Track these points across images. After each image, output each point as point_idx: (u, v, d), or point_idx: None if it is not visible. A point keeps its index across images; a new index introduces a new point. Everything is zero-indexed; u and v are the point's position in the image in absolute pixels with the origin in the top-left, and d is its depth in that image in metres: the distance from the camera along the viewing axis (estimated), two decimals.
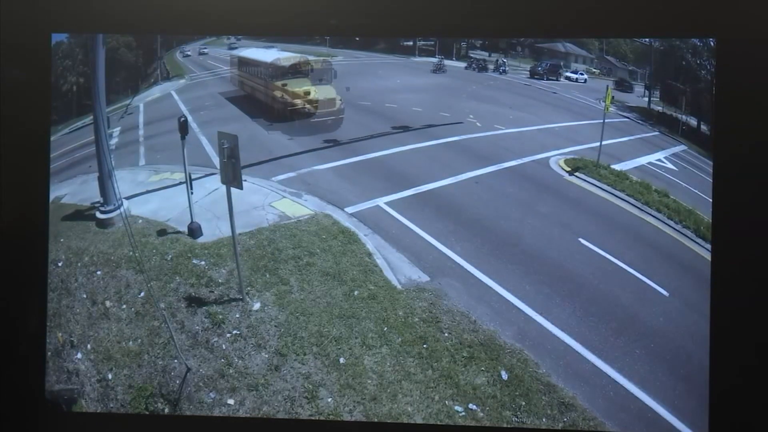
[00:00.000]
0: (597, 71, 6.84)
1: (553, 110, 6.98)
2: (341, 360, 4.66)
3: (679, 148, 6.05)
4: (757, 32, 4.07)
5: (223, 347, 4.80)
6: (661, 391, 4.41)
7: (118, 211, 5.72)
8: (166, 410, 4.54)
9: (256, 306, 5.09)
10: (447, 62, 7.19)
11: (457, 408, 4.36)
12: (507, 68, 7.00)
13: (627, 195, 6.08)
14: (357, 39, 7.41)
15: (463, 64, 7.18)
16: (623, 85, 6.37)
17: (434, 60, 7.21)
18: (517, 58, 7.17)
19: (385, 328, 4.89)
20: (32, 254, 4.52)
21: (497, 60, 7.05)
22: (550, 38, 6.69)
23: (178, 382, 4.63)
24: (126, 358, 4.80)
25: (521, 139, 6.78)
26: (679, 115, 5.93)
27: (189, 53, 7.38)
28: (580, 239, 5.63)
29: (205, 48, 7.48)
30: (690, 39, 5.18)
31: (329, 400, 4.42)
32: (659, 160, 6.22)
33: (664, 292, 5.04)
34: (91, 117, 5.68)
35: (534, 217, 5.95)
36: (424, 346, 4.75)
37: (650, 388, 4.43)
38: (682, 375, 4.47)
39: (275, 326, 4.92)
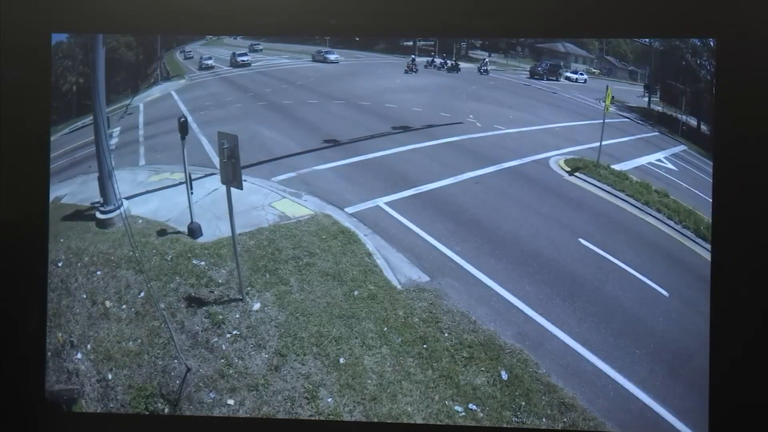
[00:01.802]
0: (597, 71, 6.84)
1: (553, 110, 6.98)
2: (341, 360, 4.66)
3: (679, 148, 6.04)
4: (757, 32, 4.06)
5: (223, 347, 4.80)
6: (661, 391, 4.41)
7: (118, 211, 5.72)
8: (166, 410, 4.54)
9: (256, 306, 5.08)
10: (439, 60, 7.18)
11: (457, 408, 4.36)
12: (488, 67, 6.94)
13: (627, 195, 6.08)
14: (357, 39, 7.41)
15: (463, 64, 7.17)
16: (648, 91, 6.35)
17: (407, 59, 7.11)
18: (517, 58, 7.17)
19: (385, 328, 4.89)
20: (32, 254, 4.52)
21: (483, 59, 7.01)
22: (550, 38, 6.69)
23: (178, 382, 4.63)
24: (126, 358, 4.80)
25: (521, 139, 6.78)
26: (679, 115, 5.93)
27: (211, 63, 7.23)
28: (580, 239, 5.63)
29: (244, 56, 7.30)
30: (690, 39, 5.18)
31: (329, 400, 4.42)
32: (659, 160, 6.22)
33: (664, 292, 5.03)
34: (91, 117, 5.68)
35: (534, 217, 5.95)
36: (424, 346, 4.75)
37: (650, 388, 4.43)
38: (682, 375, 4.47)
39: (275, 326, 4.92)
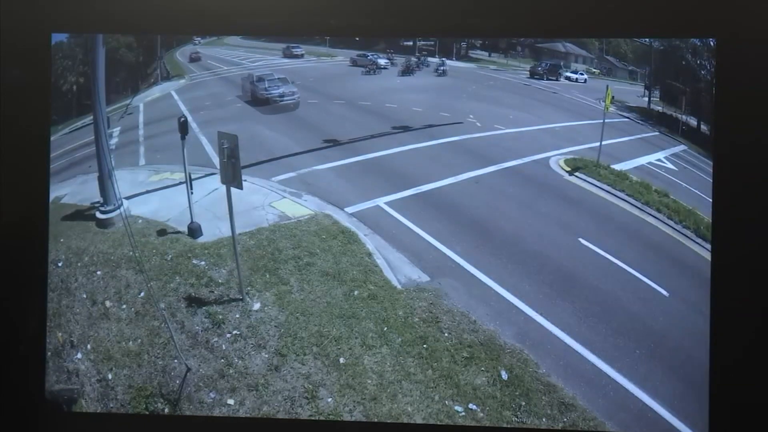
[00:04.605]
0: (597, 71, 6.84)
1: (553, 110, 6.98)
2: (341, 360, 4.66)
3: (679, 148, 6.04)
4: (757, 32, 4.06)
5: (223, 347, 4.80)
6: (661, 391, 4.41)
7: (118, 211, 5.72)
8: (166, 410, 4.54)
9: (256, 306, 5.08)
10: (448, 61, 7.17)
11: (457, 408, 4.36)
12: (446, 67, 6.68)
13: (627, 195, 6.08)
14: (357, 39, 7.40)
15: (463, 64, 7.16)
16: (649, 91, 6.32)
17: (382, 61, 6.89)
18: (517, 58, 7.17)
19: (385, 328, 4.89)
20: (32, 254, 4.52)
21: (441, 60, 6.77)
22: (550, 38, 6.69)
23: (178, 382, 4.63)
24: (126, 358, 4.80)
25: (521, 139, 6.77)
26: (679, 115, 5.93)
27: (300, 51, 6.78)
28: (580, 239, 5.63)
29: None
30: (690, 39, 5.18)
31: (329, 400, 4.42)
32: (659, 160, 6.22)
33: (664, 292, 5.03)
34: (91, 117, 5.68)
35: (534, 217, 5.95)
36: (424, 346, 4.75)
37: (650, 388, 4.43)
38: (682, 375, 4.47)
39: (275, 326, 4.92)
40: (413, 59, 6.75)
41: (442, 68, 6.79)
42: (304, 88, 7.37)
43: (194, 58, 7.15)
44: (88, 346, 4.90)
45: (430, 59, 6.77)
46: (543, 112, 6.98)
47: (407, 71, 6.83)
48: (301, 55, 7.14)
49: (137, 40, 6.01)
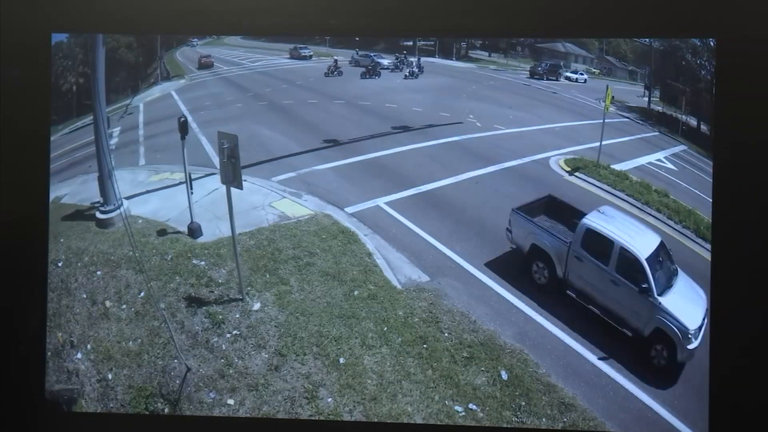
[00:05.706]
0: (597, 71, 6.84)
1: (553, 110, 6.98)
2: (341, 360, 4.66)
3: (679, 148, 6.05)
4: (757, 32, 4.06)
5: (223, 347, 4.80)
6: (661, 391, 4.41)
7: (118, 211, 5.72)
8: (166, 410, 4.54)
9: (256, 306, 5.08)
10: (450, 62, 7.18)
11: (457, 408, 4.36)
12: (416, 69, 6.47)
13: (627, 195, 6.08)
14: (357, 39, 7.41)
15: (463, 64, 7.16)
16: (649, 90, 6.31)
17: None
18: (517, 58, 7.17)
19: (385, 328, 4.89)
20: (32, 254, 4.52)
21: (411, 61, 6.61)
22: (550, 38, 6.69)
23: (178, 382, 4.63)
24: (126, 358, 4.80)
25: (521, 139, 6.77)
26: (679, 115, 5.93)
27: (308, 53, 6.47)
28: None
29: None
30: (690, 39, 5.18)
31: (329, 400, 4.42)
32: (659, 160, 6.22)
33: None
34: (91, 117, 5.68)
35: None
36: (424, 346, 4.75)
37: (650, 388, 4.43)
38: (682, 375, 4.47)
39: (275, 326, 4.92)
40: (366, 59, 6.66)
41: (411, 70, 6.67)
42: (305, 87, 7.38)
43: (205, 64, 7.05)
44: (88, 346, 4.90)
45: (411, 59, 6.73)
46: (543, 112, 6.98)
47: (370, 73, 6.77)
48: (310, 56, 7.07)
49: (137, 40, 6.01)
